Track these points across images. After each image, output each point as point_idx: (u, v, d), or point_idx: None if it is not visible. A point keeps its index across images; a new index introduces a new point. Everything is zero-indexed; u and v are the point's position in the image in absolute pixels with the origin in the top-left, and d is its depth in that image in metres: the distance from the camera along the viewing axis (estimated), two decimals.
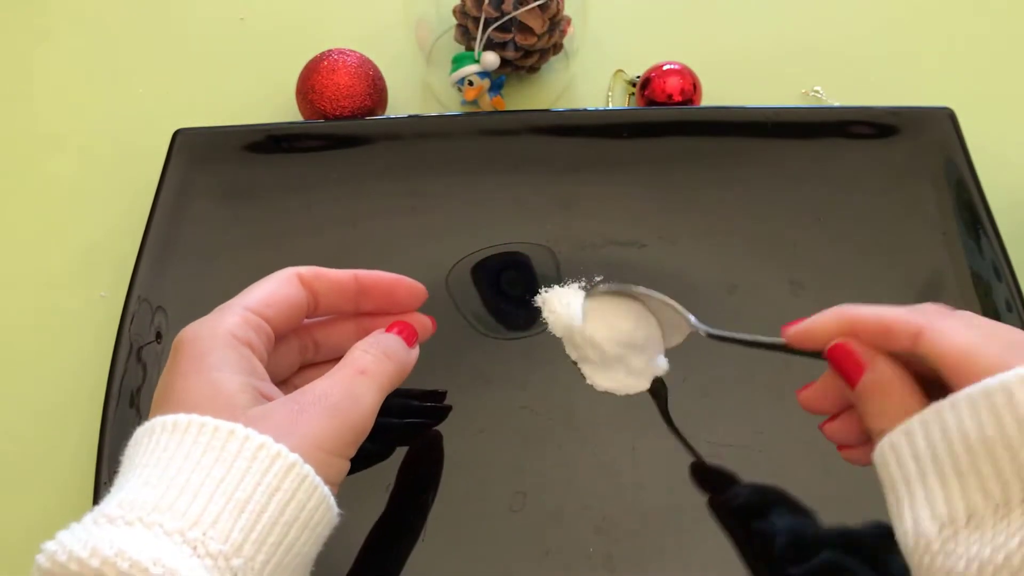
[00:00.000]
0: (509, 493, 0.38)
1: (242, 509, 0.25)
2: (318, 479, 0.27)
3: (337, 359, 0.33)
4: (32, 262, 0.48)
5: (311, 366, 0.36)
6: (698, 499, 0.38)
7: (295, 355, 0.35)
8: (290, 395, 0.30)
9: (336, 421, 0.29)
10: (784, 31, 0.58)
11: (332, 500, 0.28)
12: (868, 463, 0.30)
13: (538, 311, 0.43)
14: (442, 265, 0.44)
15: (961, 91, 0.53)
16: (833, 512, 0.37)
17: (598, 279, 0.44)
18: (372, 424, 0.31)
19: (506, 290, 0.44)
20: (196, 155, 0.48)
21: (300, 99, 0.50)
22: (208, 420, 0.27)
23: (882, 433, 0.28)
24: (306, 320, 0.35)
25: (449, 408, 0.40)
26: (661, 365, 0.40)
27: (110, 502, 0.25)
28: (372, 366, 0.32)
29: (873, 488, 0.38)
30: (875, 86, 0.54)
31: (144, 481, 0.26)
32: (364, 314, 0.36)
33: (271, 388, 0.31)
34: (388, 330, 0.35)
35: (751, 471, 0.38)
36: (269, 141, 0.48)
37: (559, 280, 0.44)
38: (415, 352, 0.35)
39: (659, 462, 0.39)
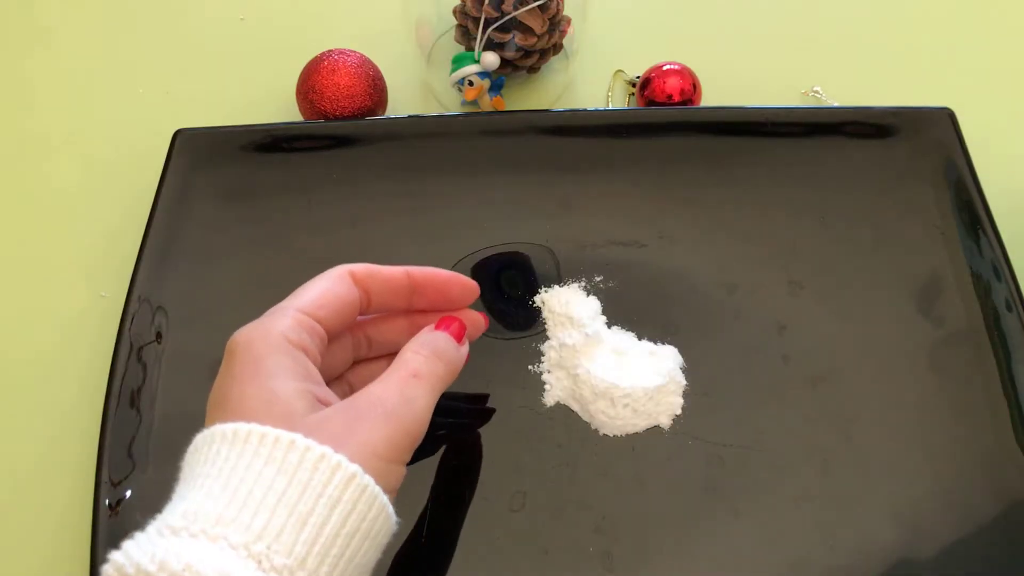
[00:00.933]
0: (509, 493, 0.38)
1: (304, 522, 0.25)
2: (377, 488, 0.27)
3: (391, 354, 0.32)
4: (33, 262, 0.48)
5: (364, 361, 0.36)
6: (698, 498, 0.38)
7: (348, 352, 0.35)
8: (346, 401, 0.29)
9: (392, 427, 0.29)
10: (784, 31, 0.58)
11: (391, 509, 0.28)
12: None
13: (538, 311, 0.43)
14: (442, 265, 0.44)
15: (961, 91, 0.53)
16: (831, 512, 0.37)
17: (598, 279, 0.44)
18: (426, 427, 0.30)
19: (506, 290, 0.44)
20: (196, 155, 0.48)
21: (300, 99, 0.50)
22: (268, 430, 0.27)
23: None
24: (359, 317, 0.35)
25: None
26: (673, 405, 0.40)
27: (174, 512, 0.26)
28: (424, 368, 0.31)
29: (871, 488, 0.38)
30: (875, 86, 0.54)
31: (207, 492, 0.26)
32: (416, 311, 0.36)
33: (325, 392, 0.30)
34: (437, 327, 0.34)
35: (751, 471, 0.38)
36: (269, 141, 0.48)
37: (559, 280, 0.44)
38: (465, 349, 0.35)
39: (659, 462, 0.39)
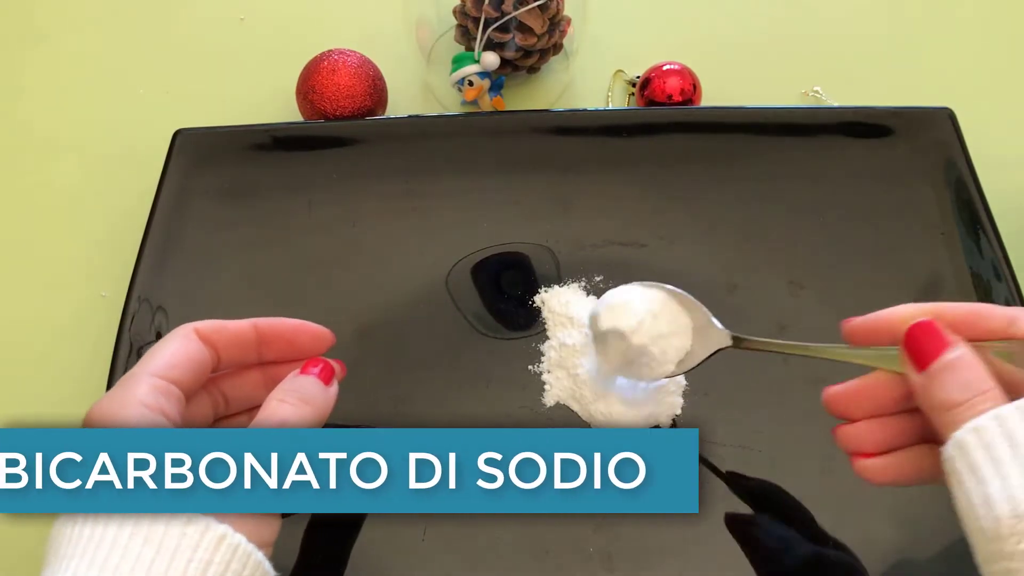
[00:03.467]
0: None
1: None
2: (250, 546, 0.26)
3: (250, 409, 0.31)
4: (33, 262, 0.48)
5: (225, 418, 0.35)
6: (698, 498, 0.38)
7: (207, 410, 0.34)
8: None
9: None
10: (784, 31, 0.58)
11: (268, 564, 0.27)
12: (883, 478, 0.30)
13: (538, 311, 0.43)
14: (442, 265, 0.44)
15: (961, 91, 0.53)
16: (831, 512, 0.37)
17: (598, 279, 0.44)
18: None
19: (506, 290, 0.44)
20: (196, 155, 0.48)
21: (300, 99, 0.50)
22: None
23: (953, 420, 0.27)
24: (212, 374, 0.33)
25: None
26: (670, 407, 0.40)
27: None
28: (291, 415, 0.30)
29: (871, 488, 0.38)
30: (875, 86, 0.54)
31: (72, 574, 0.25)
32: (270, 362, 0.35)
33: None
34: (303, 371, 0.32)
35: (751, 471, 0.38)
36: (269, 141, 0.48)
37: (559, 280, 0.44)
38: (333, 390, 0.33)
39: None
